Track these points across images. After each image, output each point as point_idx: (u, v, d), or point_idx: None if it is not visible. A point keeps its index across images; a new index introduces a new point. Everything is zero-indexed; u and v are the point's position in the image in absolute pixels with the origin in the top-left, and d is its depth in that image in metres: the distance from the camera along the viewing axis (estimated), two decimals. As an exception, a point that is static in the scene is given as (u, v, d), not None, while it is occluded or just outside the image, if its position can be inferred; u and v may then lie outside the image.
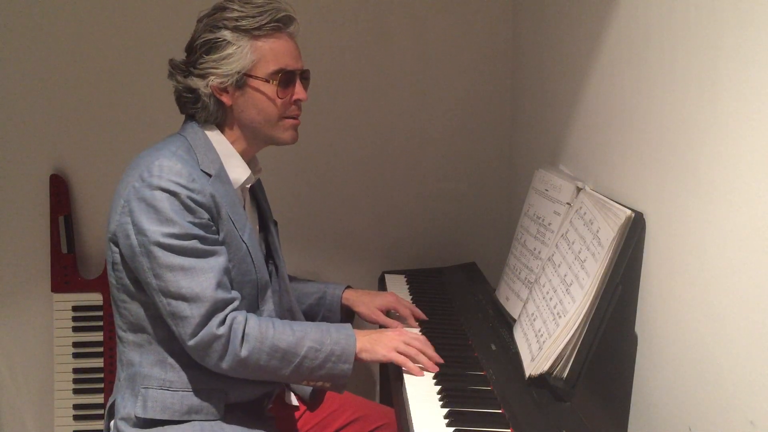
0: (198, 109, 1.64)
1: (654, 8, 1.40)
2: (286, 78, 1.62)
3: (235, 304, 1.55)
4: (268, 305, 1.68)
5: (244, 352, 1.52)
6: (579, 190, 1.73)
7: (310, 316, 1.96)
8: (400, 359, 1.60)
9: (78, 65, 2.48)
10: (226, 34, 1.58)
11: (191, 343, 1.51)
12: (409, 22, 2.55)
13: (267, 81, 1.61)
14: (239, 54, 1.58)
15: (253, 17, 1.58)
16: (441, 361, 1.63)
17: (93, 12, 2.46)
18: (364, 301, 1.94)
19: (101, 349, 2.53)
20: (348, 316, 1.98)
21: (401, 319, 1.91)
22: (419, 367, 1.61)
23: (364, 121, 2.59)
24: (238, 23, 1.58)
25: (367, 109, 2.59)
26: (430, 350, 1.64)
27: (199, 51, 1.60)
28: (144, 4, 2.47)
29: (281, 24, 1.62)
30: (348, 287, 2.00)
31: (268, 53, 1.60)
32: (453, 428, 1.38)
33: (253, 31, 1.59)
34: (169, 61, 1.66)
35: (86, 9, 2.46)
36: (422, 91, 2.59)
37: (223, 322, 1.51)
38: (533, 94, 2.35)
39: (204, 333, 1.50)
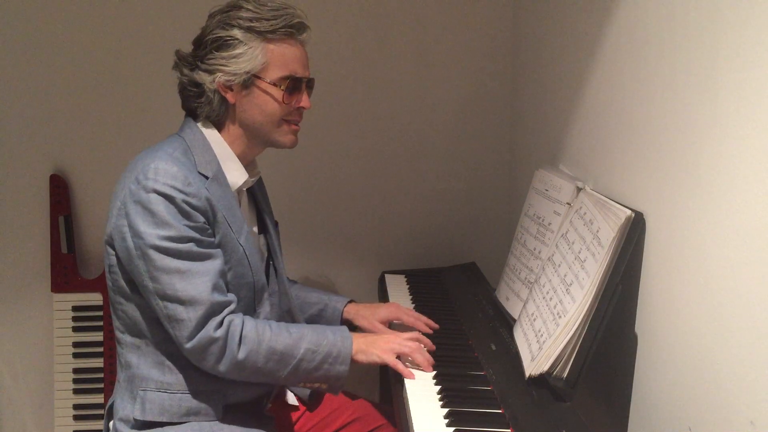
0: (201, 103, 1.63)
1: (654, 8, 1.40)
2: (293, 84, 1.62)
3: (232, 307, 1.55)
4: (265, 307, 1.68)
5: (241, 355, 1.52)
6: (579, 190, 1.73)
7: None
8: (394, 362, 1.60)
9: (78, 65, 2.48)
10: (238, 33, 1.58)
11: (188, 346, 1.50)
12: (409, 23, 2.55)
13: (275, 85, 1.60)
14: (250, 54, 1.58)
15: (268, 20, 1.58)
16: (433, 362, 1.63)
17: (93, 12, 2.46)
18: (365, 315, 1.91)
19: (101, 349, 2.53)
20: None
21: (406, 329, 1.86)
22: (416, 368, 1.61)
23: (364, 121, 2.59)
24: (252, 24, 1.57)
25: (367, 110, 2.59)
26: (426, 352, 1.65)
27: (209, 46, 1.60)
28: (144, 5, 2.47)
29: (294, 30, 1.61)
30: (351, 301, 1.97)
31: (278, 57, 1.60)
32: (453, 428, 1.38)
33: (266, 34, 1.58)
34: (175, 51, 1.65)
35: (86, 9, 2.46)
36: (422, 91, 2.59)
37: (220, 324, 1.51)
38: (533, 94, 2.35)
39: (201, 336, 1.50)
